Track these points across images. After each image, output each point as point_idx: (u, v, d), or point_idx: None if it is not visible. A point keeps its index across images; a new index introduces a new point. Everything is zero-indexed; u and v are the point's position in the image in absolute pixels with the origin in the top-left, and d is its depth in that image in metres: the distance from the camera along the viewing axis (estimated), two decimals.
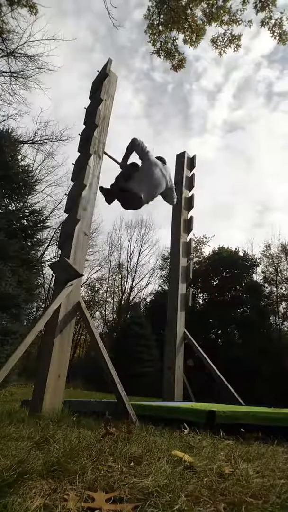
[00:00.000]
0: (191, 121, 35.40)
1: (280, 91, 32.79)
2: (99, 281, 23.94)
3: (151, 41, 6.31)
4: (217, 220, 33.34)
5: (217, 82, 32.25)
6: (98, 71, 3.57)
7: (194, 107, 34.43)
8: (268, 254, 20.15)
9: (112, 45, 25.30)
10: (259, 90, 32.33)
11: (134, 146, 3.44)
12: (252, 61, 30.08)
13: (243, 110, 34.04)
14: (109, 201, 3.52)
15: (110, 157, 3.64)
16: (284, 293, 19.00)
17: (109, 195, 3.47)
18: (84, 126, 3.33)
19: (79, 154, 3.17)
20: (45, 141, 13.01)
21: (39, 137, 12.93)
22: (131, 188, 3.28)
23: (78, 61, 26.83)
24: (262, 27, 5.87)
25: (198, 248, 22.74)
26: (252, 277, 20.01)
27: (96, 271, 23.29)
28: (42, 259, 13.79)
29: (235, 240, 42.37)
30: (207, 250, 24.28)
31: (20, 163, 10.33)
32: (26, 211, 10.44)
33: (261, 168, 34.05)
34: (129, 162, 3.63)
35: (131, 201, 3.38)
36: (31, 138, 12.68)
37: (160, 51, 6.35)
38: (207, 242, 23.07)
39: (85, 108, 3.43)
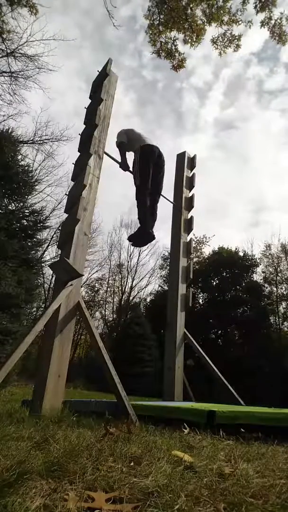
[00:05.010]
0: (183, 119, 35.45)
1: (270, 89, 32.81)
2: (99, 281, 23.97)
3: (151, 41, 6.31)
4: (213, 219, 33.41)
5: (207, 80, 32.29)
6: (98, 71, 3.57)
7: (186, 106, 34.45)
8: (268, 254, 20.18)
9: (101, 43, 25.36)
10: (249, 88, 32.34)
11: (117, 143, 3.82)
12: (241, 58, 30.09)
13: (234, 108, 34.09)
14: (152, 237, 3.70)
15: (110, 157, 3.65)
16: (284, 293, 19.01)
17: (143, 237, 3.69)
18: (84, 126, 3.33)
19: (79, 154, 3.17)
20: (45, 141, 13.03)
21: (39, 137, 12.95)
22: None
23: (66, 58, 26.86)
24: (262, 27, 5.88)
25: (198, 248, 22.76)
26: (252, 277, 20.04)
27: (96, 271, 23.33)
28: (42, 259, 13.79)
29: (235, 240, 42.43)
30: (207, 250, 24.29)
31: (20, 163, 10.32)
32: (26, 211, 10.42)
33: (255, 166, 34.09)
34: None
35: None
36: (31, 138, 12.70)
37: (160, 51, 6.35)
38: (207, 242, 23.11)
39: (85, 108, 3.43)
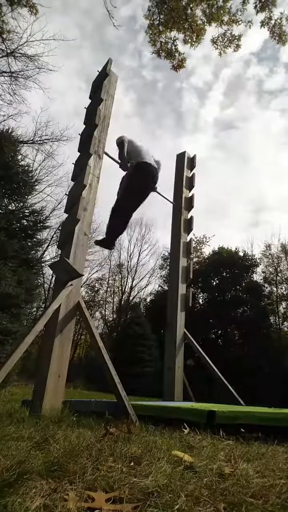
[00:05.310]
0: (183, 119, 35.41)
1: (270, 89, 32.75)
2: (99, 281, 23.99)
3: (151, 41, 6.31)
4: (213, 219, 33.41)
5: (207, 80, 32.25)
6: (98, 71, 3.57)
7: (186, 106, 34.41)
8: (268, 254, 20.17)
9: (100, 43, 25.35)
10: (249, 88, 32.28)
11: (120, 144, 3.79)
12: (241, 58, 30.04)
13: (234, 108, 34.05)
14: (109, 246, 3.94)
15: (110, 157, 3.65)
16: (284, 293, 19.00)
17: (106, 242, 3.87)
18: (84, 126, 3.33)
19: (79, 154, 3.17)
20: (45, 141, 13.01)
21: (39, 137, 12.93)
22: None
23: (66, 58, 26.85)
24: (262, 27, 5.88)
25: (198, 248, 22.76)
26: (252, 277, 20.03)
27: (96, 271, 23.33)
28: (42, 259, 13.79)
29: (235, 240, 42.44)
30: (207, 250, 24.30)
31: (20, 163, 10.32)
32: (26, 211, 10.43)
33: (255, 166, 34.06)
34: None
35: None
36: (31, 138, 12.69)
37: (160, 51, 6.34)
38: (207, 242, 23.11)
39: (85, 108, 3.43)
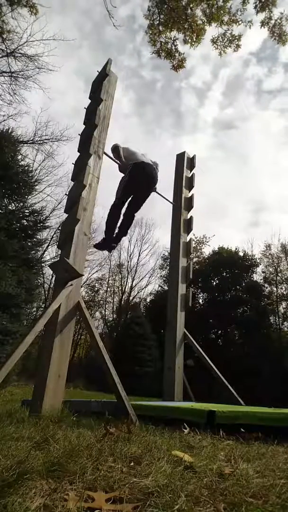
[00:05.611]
0: (182, 119, 35.33)
1: (269, 89, 32.69)
2: (99, 281, 23.96)
3: (151, 41, 6.30)
4: (213, 219, 33.39)
5: (206, 80, 32.22)
6: (98, 71, 3.57)
7: (185, 105, 34.31)
8: (268, 254, 20.18)
9: (100, 43, 25.37)
10: (248, 88, 32.21)
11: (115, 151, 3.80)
12: (240, 58, 30.01)
13: (233, 108, 34.00)
14: (108, 247, 3.87)
15: (110, 157, 3.65)
16: (284, 293, 19.01)
17: (105, 246, 3.82)
18: (84, 126, 3.33)
19: (79, 154, 3.17)
20: (45, 141, 13.03)
21: (39, 137, 12.95)
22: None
23: (66, 58, 26.85)
24: (262, 27, 5.88)
25: (198, 248, 22.76)
26: (252, 277, 20.04)
27: (96, 271, 23.31)
28: (42, 259, 13.79)
29: (235, 240, 42.43)
30: (207, 250, 24.31)
31: (20, 163, 10.33)
32: (26, 211, 10.44)
33: (255, 166, 34.02)
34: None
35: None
36: (31, 138, 12.71)
37: (160, 51, 6.34)
38: (207, 242, 23.11)
39: (85, 108, 3.44)
